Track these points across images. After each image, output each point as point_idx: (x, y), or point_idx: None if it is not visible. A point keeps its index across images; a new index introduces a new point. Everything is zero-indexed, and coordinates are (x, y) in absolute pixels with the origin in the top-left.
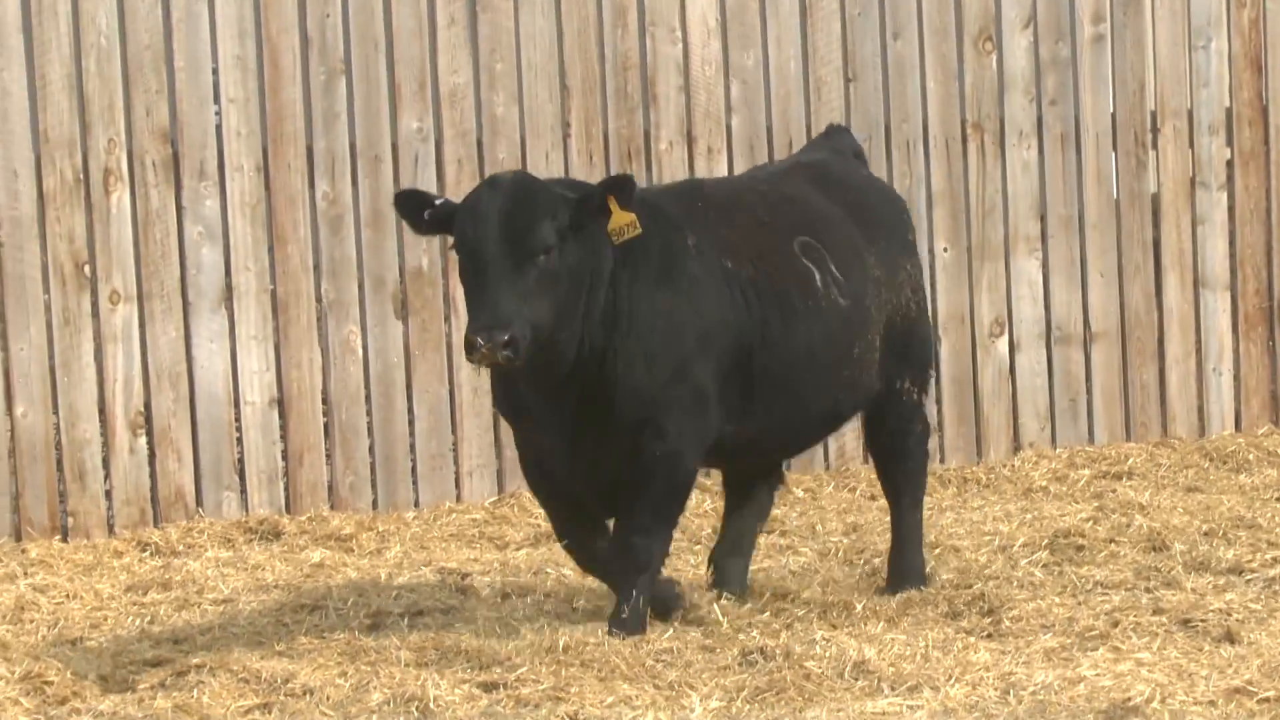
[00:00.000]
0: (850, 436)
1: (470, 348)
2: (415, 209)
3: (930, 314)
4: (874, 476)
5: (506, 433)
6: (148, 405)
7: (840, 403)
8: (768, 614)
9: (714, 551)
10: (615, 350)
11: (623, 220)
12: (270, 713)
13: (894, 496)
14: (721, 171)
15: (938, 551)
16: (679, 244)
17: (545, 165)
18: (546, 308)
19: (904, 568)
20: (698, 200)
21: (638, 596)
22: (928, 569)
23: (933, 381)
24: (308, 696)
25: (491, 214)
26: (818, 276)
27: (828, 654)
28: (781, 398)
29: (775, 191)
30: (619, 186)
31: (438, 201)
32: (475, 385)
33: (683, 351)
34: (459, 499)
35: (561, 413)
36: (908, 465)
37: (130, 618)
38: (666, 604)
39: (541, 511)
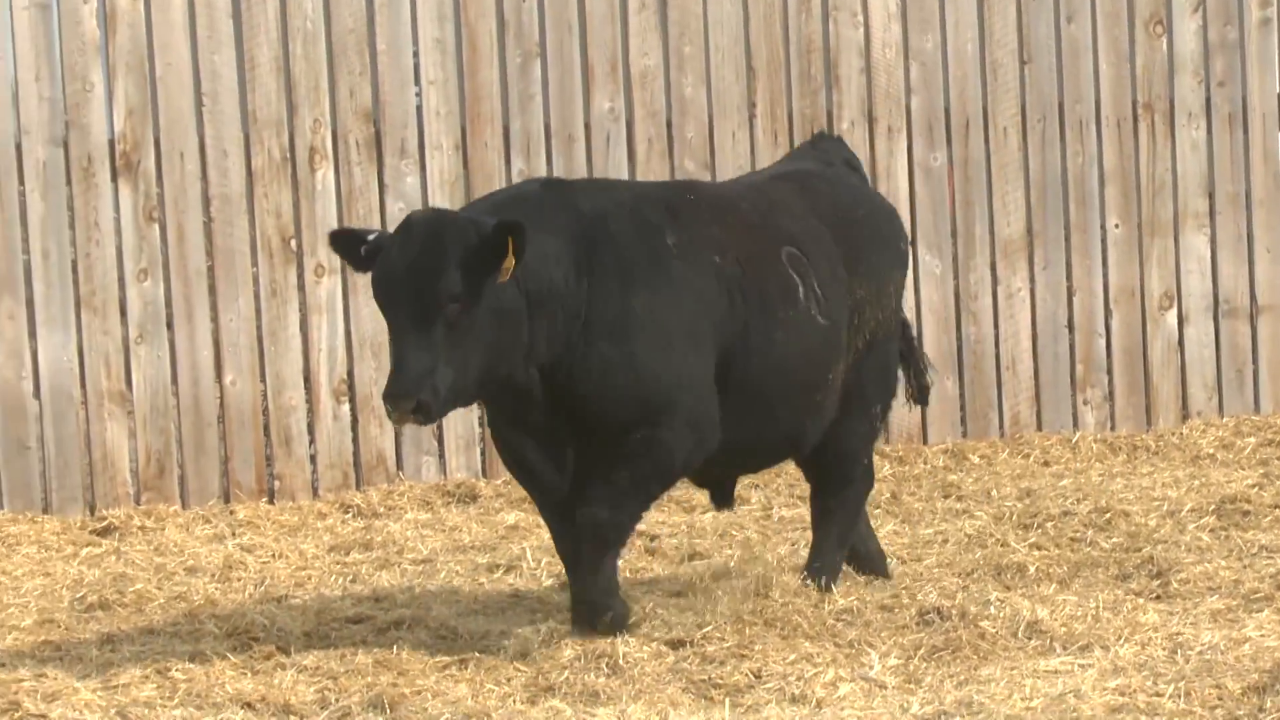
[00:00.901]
0: (1024, 404)
1: (386, 411)
2: (352, 246)
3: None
4: (1047, 444)
5: None
6: (350, 373)
7: (806, 429)
8: (944, 575)
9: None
10: (582, 359)
11: (507, 264)
12: (466, 668)
13: (824, 525)
14: (902, 150)
15: (1108, 516)
16: (656, 246)
17: (732, 143)
18: (466, 357)
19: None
20: (689, 194)
21: (599, 564)
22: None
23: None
24: (501, 652)
25: (398, 267)
26: (801, 290)
27: (1002, 614)
28: (753, 410)
29: (766, 198)
30: (515, 230)
31: (370, 237)
32: None
33: (667, 351)
34: None
35: (548, 423)
36: (847, 494)
37: (333, 576)
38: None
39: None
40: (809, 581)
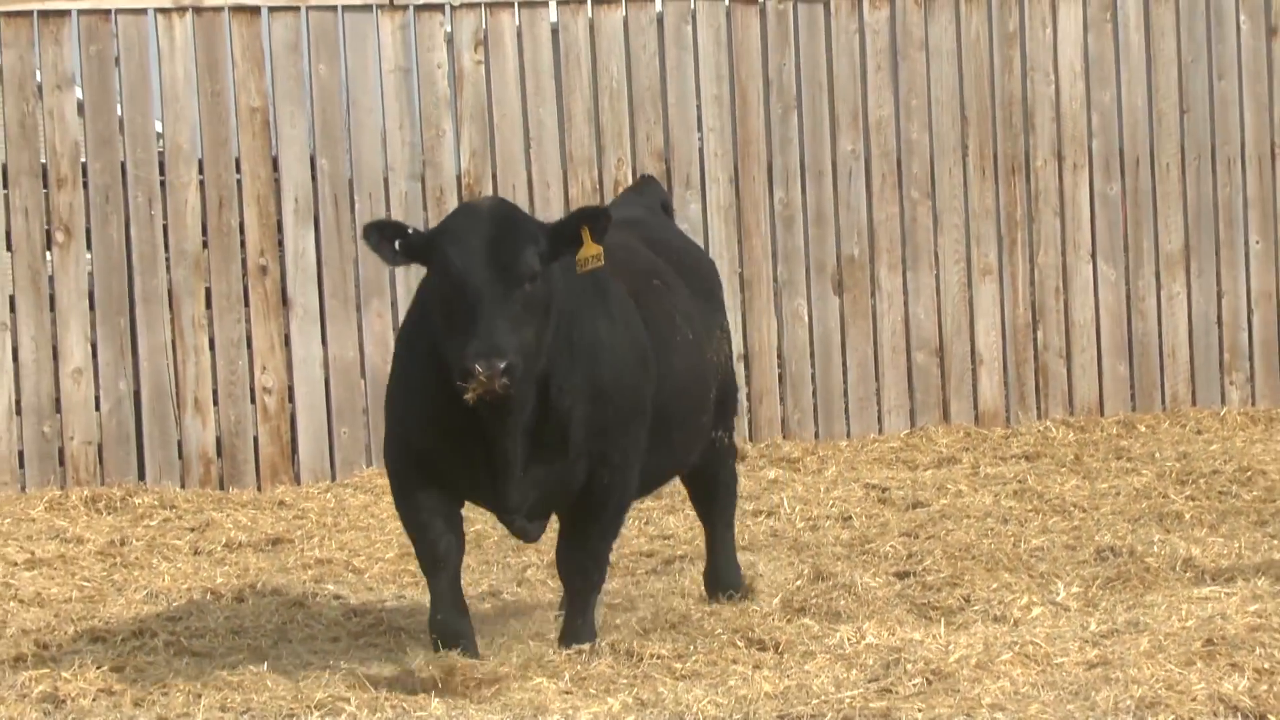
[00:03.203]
0: (1182, 384)
1: (467, 375)
2: (386, 239)
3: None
4: (1200, 416)
5: (919, 378)
6: None
7: (690, 451)
8: (1117, 521)
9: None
10: (564, 380)
11: (591, 251)
12: (735, 593)
13: (710, 521)
14: (1085, 182)
15: (1249, 474)
16: (604, 276)
17: (949, 178)
18: (532, 336)
19: (721, 580)
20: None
21: (592, 610)
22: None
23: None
24: (756, 581)
25: (478, 240)
26: (677, 317)
27: (1163, 552)
28: (657, 435)
29: (617, 240)
30: (593, 218)
31: (410, 231)
32: (895, 345)
33: (632, 380)
34: (880, 431)
35: (506, 436)
36: (721, 496)
37: (630, 518)
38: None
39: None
40: (730, 596)
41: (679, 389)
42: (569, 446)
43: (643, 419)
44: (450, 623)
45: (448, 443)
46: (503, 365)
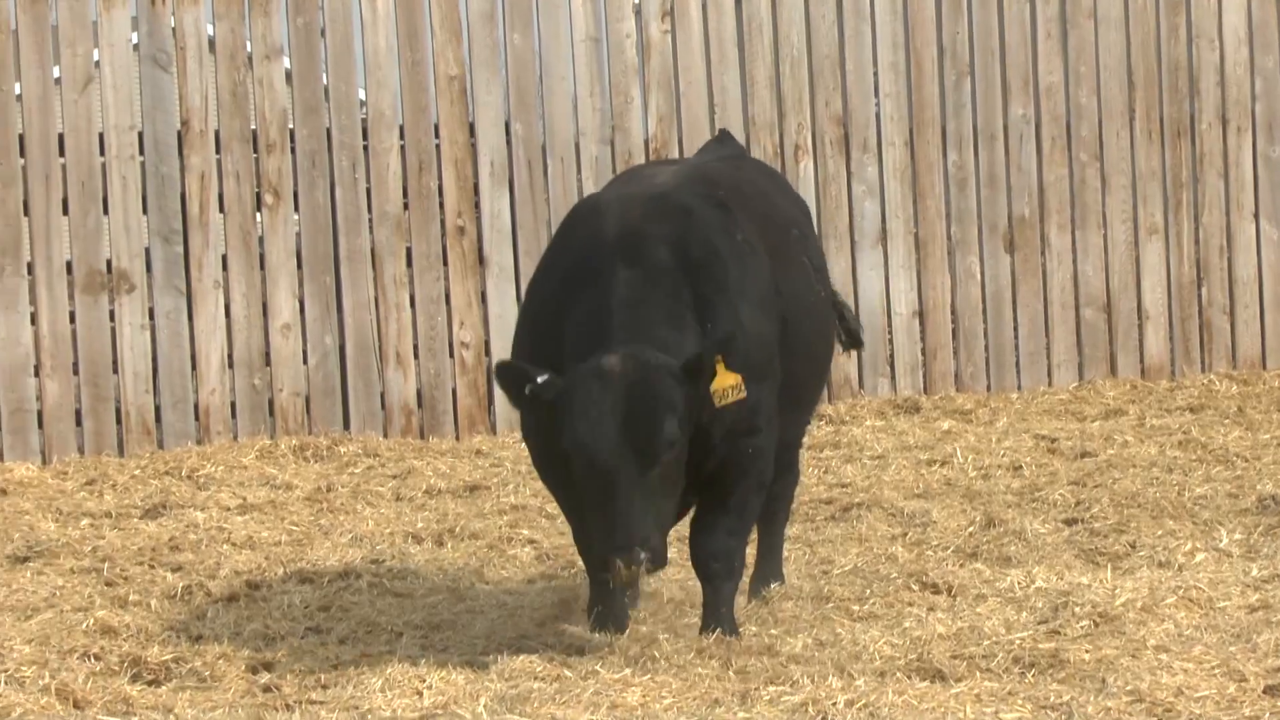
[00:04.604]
0: None
1: (607, 567)
2: (516, 383)
3: None
4: None
5: (1087, 334)
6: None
7: (802, 423)
8: (1278, 471)
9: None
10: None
11: (727, 382)
12: (906, 538)
13: (772, 524)
14: (1248, 144)
15: None
16: (740, 245)
17: (1116, 140)
18: (672, 497)
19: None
20: (720, 189)
21: (730, 596)
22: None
23: None
24: (930, 528)
25: (611, 419)
26: (812, 273)
27: None
28: (787, 408)
29: (754, 182)
30: (725, 347)
31: (540, 380)
32: (1064, 302)
33: (765, 355)
34: (1050, 384)
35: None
36: (787, 481)
37: (810, 467)
38: (620, 618)
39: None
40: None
41: (809, 354)
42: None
43: (773, 391)
44: (614, 616)
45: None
46: (644, 555)
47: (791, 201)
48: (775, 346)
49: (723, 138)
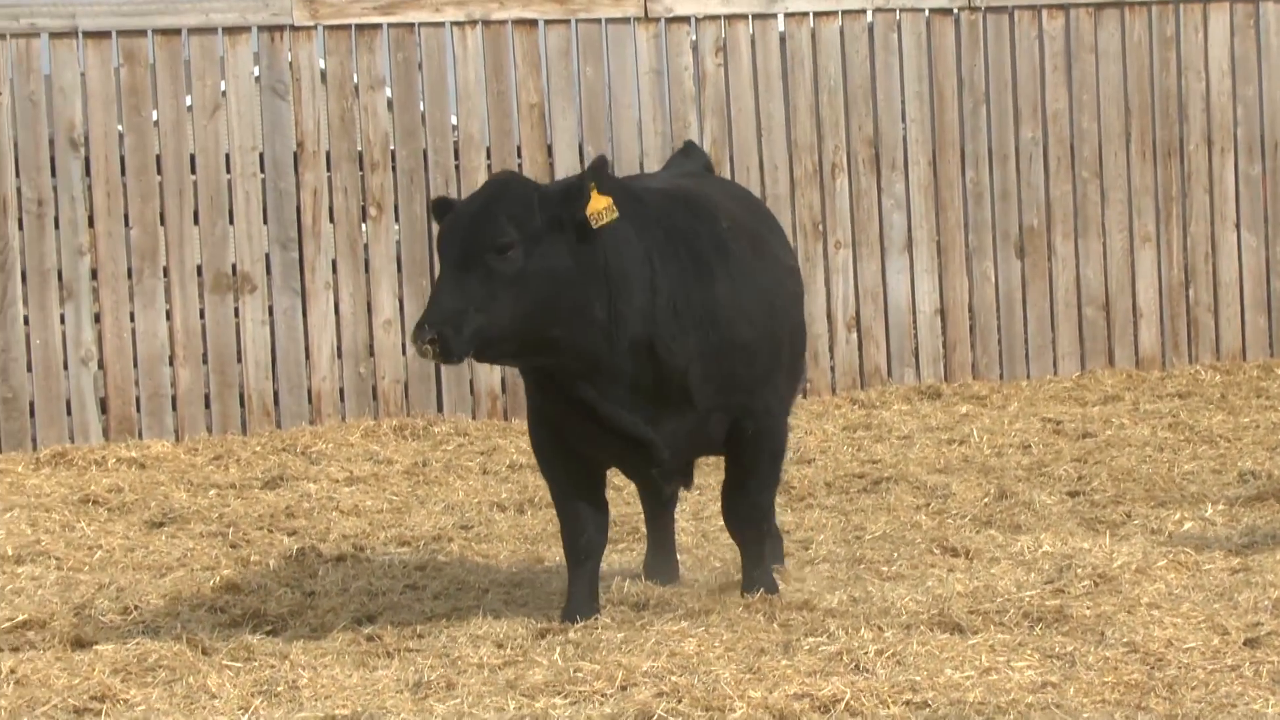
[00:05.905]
0: None
1: (411, 341)
2: (443, 211)
3: None
4: None
5: (1088, 329)
6: (857, 313)
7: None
8: (1256, 450)
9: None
10: (672, 342)
11: (599, 204)
12: (929, 508)
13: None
14: (1230, 164)
15: None
16: (718, 229)
17: (1114, 160)
18: (504, 306)
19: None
20: (706, 192)
21: (767, 560)
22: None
23: None
24: (950, 499)
25: (458, 215)
26: (782, 263)
27: None
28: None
29: (723, 190)
30: (596, 175)
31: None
32: (1068, 301)
33: (758, 334)
34: (1055, 373)
35: (609, 403)
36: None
37: (845, 445)
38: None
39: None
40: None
41: (800, 338)
42: (694, 401)
43: (778, 368)
44: (582, 618)
45: (569, 412)
46: (429, 336)
47: (752, 209)
48: (777, 333)
49: (688, 149)
